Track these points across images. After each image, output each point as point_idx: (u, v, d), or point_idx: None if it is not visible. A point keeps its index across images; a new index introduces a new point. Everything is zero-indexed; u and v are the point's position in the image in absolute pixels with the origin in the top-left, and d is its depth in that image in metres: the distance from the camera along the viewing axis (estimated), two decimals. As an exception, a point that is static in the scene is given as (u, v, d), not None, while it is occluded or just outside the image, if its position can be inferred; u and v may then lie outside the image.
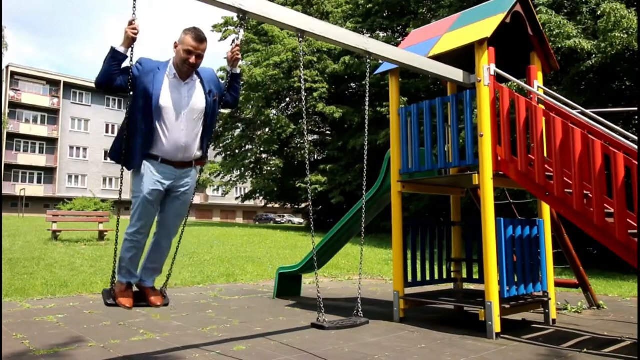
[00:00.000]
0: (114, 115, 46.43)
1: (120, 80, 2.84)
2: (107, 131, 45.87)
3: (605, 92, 11.91)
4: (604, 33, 10.39)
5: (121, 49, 2.78)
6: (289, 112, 26.75)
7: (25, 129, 41.80)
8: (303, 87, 3.03)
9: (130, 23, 2.74)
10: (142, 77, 2.88)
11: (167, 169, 3.01)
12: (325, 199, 22.17)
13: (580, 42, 10.73)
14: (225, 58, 3.14)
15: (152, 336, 3.91)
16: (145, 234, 3.10)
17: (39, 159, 42.44)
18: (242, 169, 27.47)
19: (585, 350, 3.54)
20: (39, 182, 42.56)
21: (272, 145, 24.45)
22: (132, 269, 3.17)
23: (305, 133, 3.04)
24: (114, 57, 2.78)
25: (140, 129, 2.93)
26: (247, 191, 30.67)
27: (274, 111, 26.02)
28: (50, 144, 43.31)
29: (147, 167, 2.98)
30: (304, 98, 3.16)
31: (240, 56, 3.04)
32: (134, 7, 2.65)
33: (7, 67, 40.84)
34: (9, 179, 40.60)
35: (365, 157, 3.52)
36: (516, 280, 4.23)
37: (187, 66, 2.93)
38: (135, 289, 3.20)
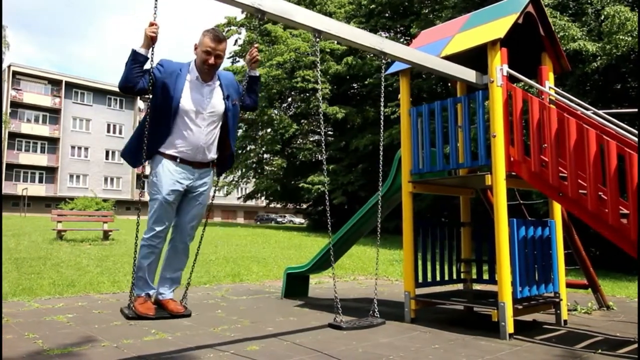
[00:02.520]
0: (115, 115, 46.45)
1: (143, 83, 2.79)
2: (108, 131, 45.89)
3: (610, 92, 11.92)
4: (609, 35, 10.39)
5: (142, 51, 2.74)
6: (291, 112, 26.79)
7: (26, 128, 41.84)
8: (320, 88, 3.03)
9: (151, 24, 2.71)
10: (163, 79, 2.86)
11: (186, 168, 2.99)
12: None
13: (585, 44, 10.73)
14: (244, 59, 3.19)
15: (164, 336, 3.90)
16: (163, 238, 3.07)
17: (41, 159, 42.48)
18: (244, 169, 27.53)
19: (599, 351, 3.53)
20: (40, 181, 42.59)
21: (275, 145, 24.49)
22: (149, 279, 3.12)
23: (322, 132, 3.03)
24: (135, 59, 2.74)
25: (159, 129, 2.89)
26: (248, 191, 30.73)
27: (276, 111, 26.07)
28: (52, 143, 43.33)
29: (165, 167, 2.94)
30: (320, 97, 3.16)
31: (259, 57, 3.05)
32: (155, 7, 2.60)
33: (9, 66, 40.85)
34: (10, 178, 40.63)
35: (382, 156, 3.52)
36: (528, 281, 4.22)
37: (207, 67, 2.93)
38: (153, 303, 3.14)
